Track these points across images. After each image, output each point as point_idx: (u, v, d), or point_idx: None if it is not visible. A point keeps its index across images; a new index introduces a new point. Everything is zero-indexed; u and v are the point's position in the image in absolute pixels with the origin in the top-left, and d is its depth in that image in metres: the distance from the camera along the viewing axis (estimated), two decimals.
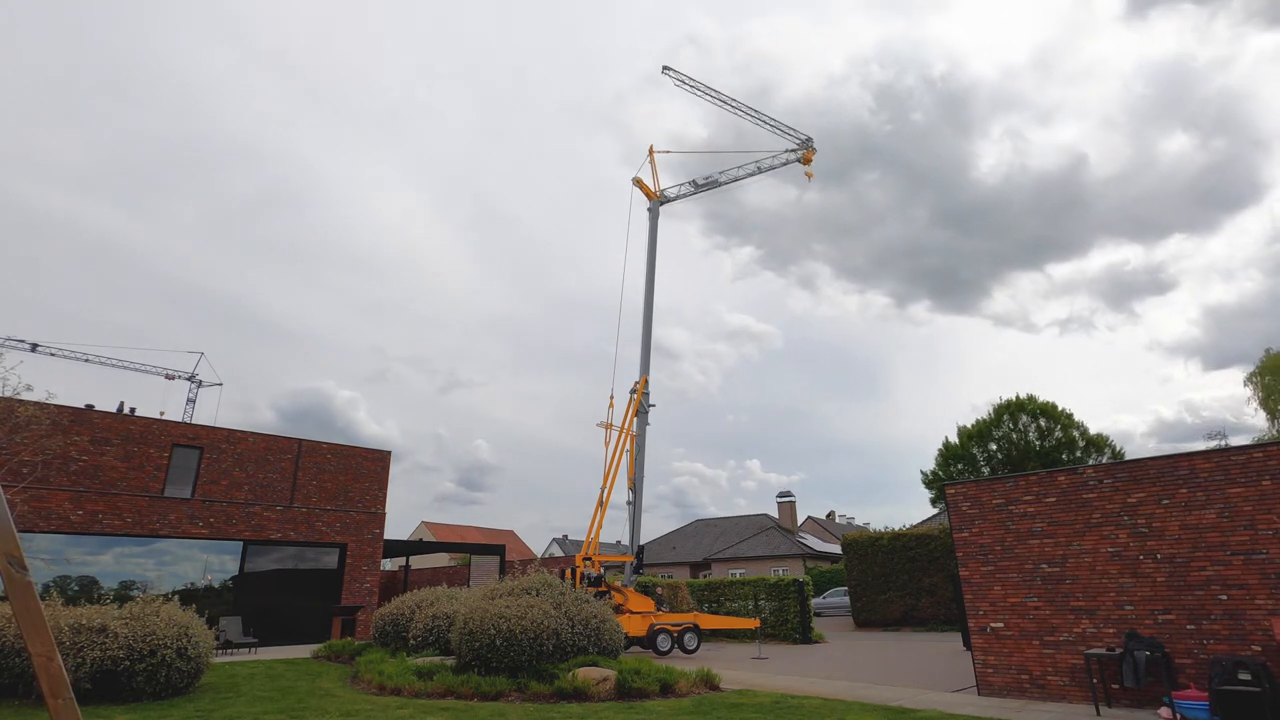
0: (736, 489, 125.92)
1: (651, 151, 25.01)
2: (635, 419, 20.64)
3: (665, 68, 25.46)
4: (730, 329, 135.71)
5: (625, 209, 25.20)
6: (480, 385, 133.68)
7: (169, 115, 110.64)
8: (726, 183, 24.56)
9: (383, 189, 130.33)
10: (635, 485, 19.98)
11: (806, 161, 24.12)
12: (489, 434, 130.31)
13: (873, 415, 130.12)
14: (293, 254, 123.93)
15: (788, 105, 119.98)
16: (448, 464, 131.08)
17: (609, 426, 20.50)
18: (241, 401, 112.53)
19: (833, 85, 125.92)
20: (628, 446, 20.12)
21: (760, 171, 24.28)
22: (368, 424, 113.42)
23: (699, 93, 25.35)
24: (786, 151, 24.38)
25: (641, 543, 20.09)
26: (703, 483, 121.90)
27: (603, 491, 19.45)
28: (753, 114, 24.81)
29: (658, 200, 24.34)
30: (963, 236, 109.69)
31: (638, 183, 24.60)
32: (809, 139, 24.21)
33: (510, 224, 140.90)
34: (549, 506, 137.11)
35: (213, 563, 19.95)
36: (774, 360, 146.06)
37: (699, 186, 24.72)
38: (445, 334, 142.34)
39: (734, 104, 25.04)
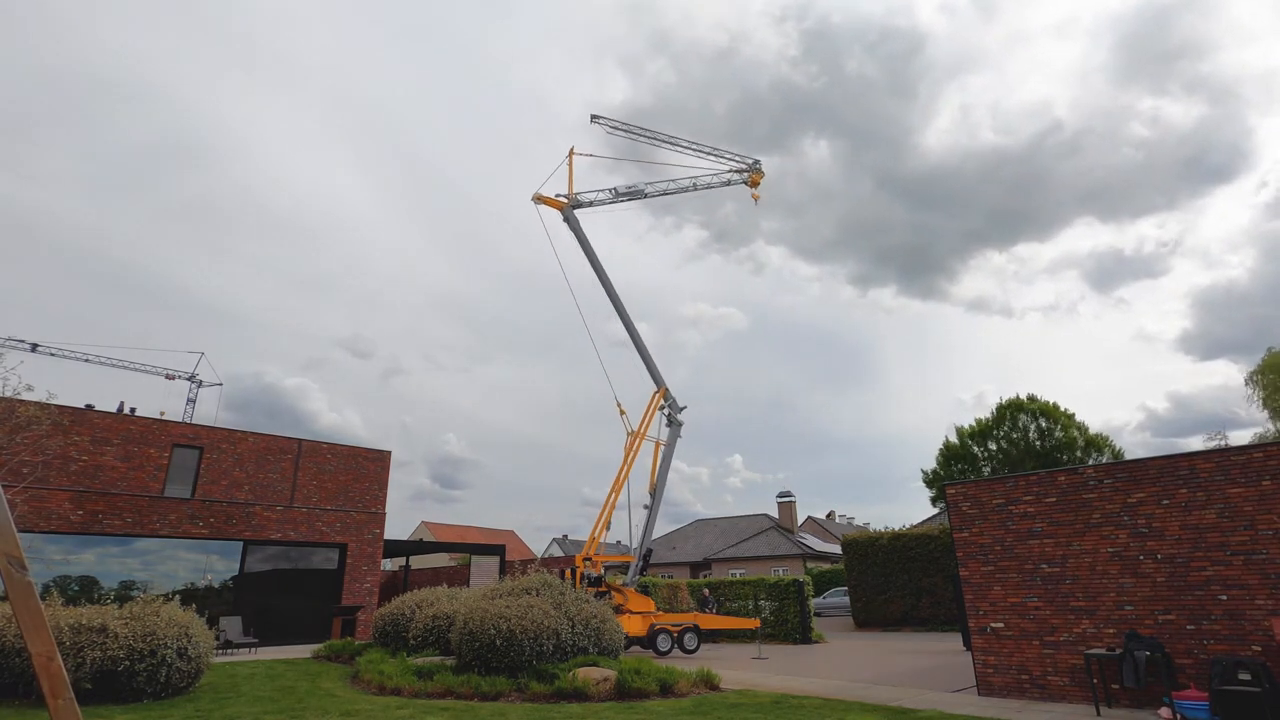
0: (720, 485, 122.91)
1: (571, 154, 23.09)
2: (667, 430, 20.76)
3: (594, 116, 23.22)
4: (688, 318, 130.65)
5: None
6: (436, 372, 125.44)
7: (28, 44, 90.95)
8: (654, 195, 22.53)
9: (303, 144, 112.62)
10: (656, 491, 20.00)
11: (754, 184, 22.18)
12: (457, 427, 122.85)
13: (858, 407, 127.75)
14: (206, 218, 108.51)
15: (695, 57, 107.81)
16: (418, 459, 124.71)
17: (633, 434, 20.55)
18: (180, 389, 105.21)
19: (747, 34, 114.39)
20: (642, 451, 20.25)
21: (695, 189, 22.36)
22: (326, 414, 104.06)
23: (634, 136, 23.03)
24: (730, 172, 22.36)
25: (650, 546, 20.15)
26: (683, 480, 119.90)
27: (612, 494, 19.54)
28: (694, 147, 22.70)
29: (569, 206, 22.16)
30: (922, 211, 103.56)
31: (539, 199, 22.35)
32: (757, 162, 22.31)
33: (450, 194, 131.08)
34: (533, 505, 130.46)
35: (213, 563, 19.95)
36: (745, 351, 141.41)
37: (620, 195, 22.54)
38: (388, 314, 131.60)
39: (672, 140, 22.88)
